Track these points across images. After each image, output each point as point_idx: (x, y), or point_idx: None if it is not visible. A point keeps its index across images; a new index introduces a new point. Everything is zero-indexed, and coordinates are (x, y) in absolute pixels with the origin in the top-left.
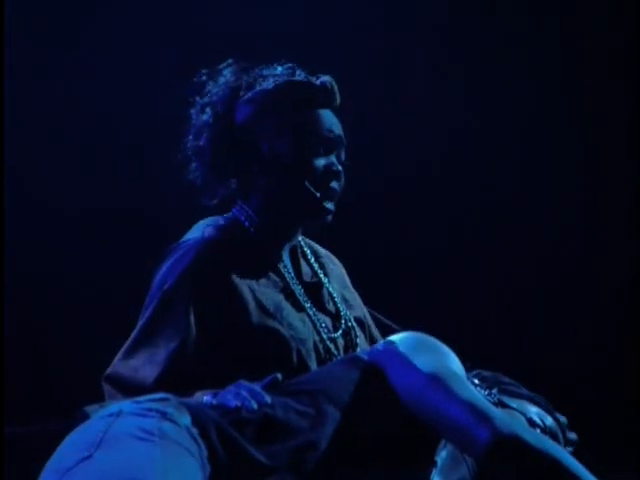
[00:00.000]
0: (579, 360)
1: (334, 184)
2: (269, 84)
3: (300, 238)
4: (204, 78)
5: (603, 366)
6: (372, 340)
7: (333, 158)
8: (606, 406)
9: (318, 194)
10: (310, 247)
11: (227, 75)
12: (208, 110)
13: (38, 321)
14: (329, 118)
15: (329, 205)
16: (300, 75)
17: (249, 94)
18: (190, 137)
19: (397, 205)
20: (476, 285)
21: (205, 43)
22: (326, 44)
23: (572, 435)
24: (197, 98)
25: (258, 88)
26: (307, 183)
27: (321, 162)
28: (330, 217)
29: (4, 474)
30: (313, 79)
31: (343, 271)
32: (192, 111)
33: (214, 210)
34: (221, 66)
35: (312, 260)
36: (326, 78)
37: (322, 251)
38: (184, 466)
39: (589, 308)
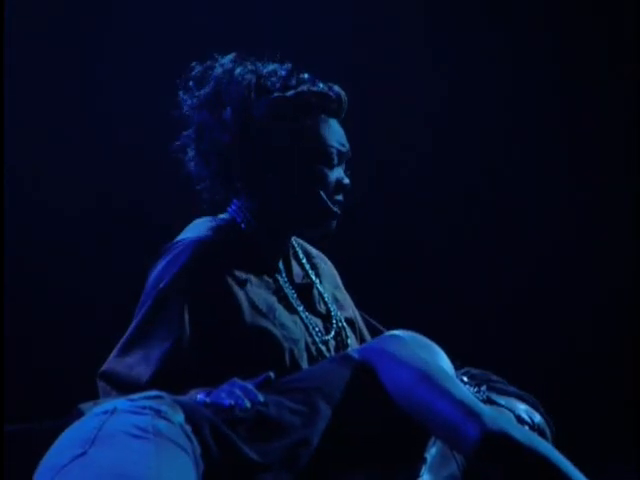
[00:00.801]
0: (579, 360)
1: (341, 197)
2: (283, 90)
3: (292, 239)
4: (197, 67)
5: (603, 366)
6: (362, 341)
7: (342, 171)
8: (606, 406)
9: (332, 207)
10: (302, 247)
11: (229, 67)
12: (223, 105)
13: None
14: (340, 130)
15: (334, 220)
16: (311, 81)
17: (267, 97)
18: (193, 127)
19: (396, 205)
20: (476, 285)
21: (203, 39)
22: (319, 48)
23: None
24: (191, 83)
25: (276, 93)
26: (322, 193)
27: (334, 174)
28: (334, 223)
29: (4, 471)
30: (327, 89)
31: (335, 271)
32: (186, 97)
33: (209, 209)
34: (220, 58)
35: (304, 260)
36: (338, 88)
37: (314, 251)
38: (178, 463)
39: (589, 308)
